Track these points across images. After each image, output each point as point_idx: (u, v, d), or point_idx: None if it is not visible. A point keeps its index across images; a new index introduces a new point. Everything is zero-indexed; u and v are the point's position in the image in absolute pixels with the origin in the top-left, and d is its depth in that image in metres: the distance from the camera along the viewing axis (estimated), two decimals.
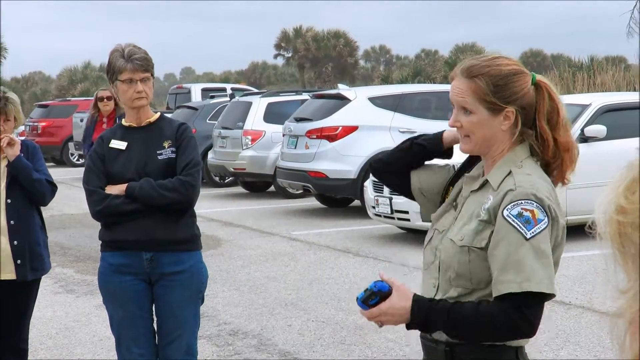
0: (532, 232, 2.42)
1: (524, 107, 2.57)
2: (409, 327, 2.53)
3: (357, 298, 2.54)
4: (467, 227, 2.54)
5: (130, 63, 4.27)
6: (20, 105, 5.17)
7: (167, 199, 4.25)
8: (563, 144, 2.58)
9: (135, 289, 4.35)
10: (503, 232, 2.44)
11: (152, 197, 4.24)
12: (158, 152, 4.35)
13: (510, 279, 2.41)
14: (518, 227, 2.43)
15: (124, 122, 4.47)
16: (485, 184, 2.59)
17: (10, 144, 4.97)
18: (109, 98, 10.56)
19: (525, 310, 2.41)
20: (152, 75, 4.37)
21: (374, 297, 2.52)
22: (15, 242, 4.95)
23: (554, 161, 2.59)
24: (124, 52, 4.30)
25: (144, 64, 4.30)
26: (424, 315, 2.48)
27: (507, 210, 2.45)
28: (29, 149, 5.10)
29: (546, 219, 2.45)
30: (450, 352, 2.54)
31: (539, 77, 2.62)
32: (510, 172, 2.54)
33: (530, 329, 2.45)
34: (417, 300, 2.50)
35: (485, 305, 2.45)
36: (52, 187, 5.16)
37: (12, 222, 4.96)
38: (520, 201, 2.45)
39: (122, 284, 4.34)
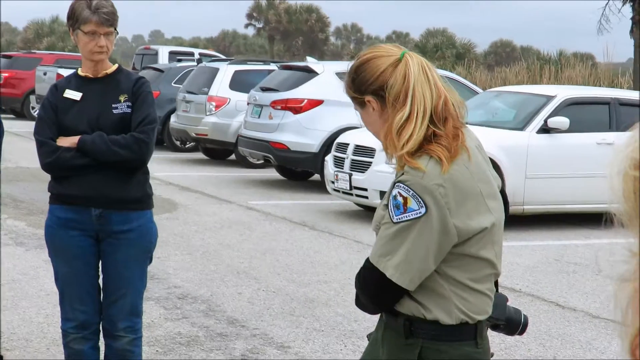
0: (399, 219, 2.44)
1: (377, 91, 2.53)
2: None
3: None
4: (378, 211, 2.56)
5: (97, 16, 4.13)
6: None
7: (118, 156, 4.12)
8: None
9: (81, 245, 4.24)
10: (387, 208, 2.48)
11: (104, 152, 4.12)
12: (113, 105, 4.21)
13: (374, 247, 2.50)
14: (389, 209, 2.46)
15: (79, 71, 4.33)
16: None
17: None
18: None
19: (368, 279, 2.50)
20: (115, 30, 4.25)
21: None
22: None
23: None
24: (91, 3, 4.17)
25: (110, 19, 4.16)
26: None
27: (392, 189, 2.47)
28: None
29: (422, 210, 2.41)
30: (410, 326, 2.51)
31: (408, 53, 2.55)
32: None
33: (360, 297, 2.57)
34: None
35: None
36: None
37: None
38: (400, 184, 2.44)
39: (68, 239, 4.24)
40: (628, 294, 0.98)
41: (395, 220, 2.42)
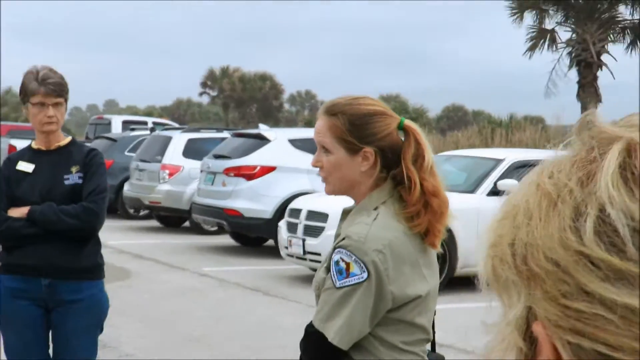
0: (342, 283, 2.47)
1: (384, 148, 2.57)
2: None
3: None
4: (319, 273, 2.60)
5: (44, 87, 4.19)
6: None
7: (67, 225, 4.16)
8: (429, 188, 2.53)
9: (31, 315, 4.24)
10: (329, 273, 2.51)
11: (53, 221, 4.15)
12: (65, 176, 4.26)
13: (317, 312, 2.53)
14: (332, 274, 2.49)
15: (33, 144, 4.39)
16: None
17: None
18: None
19: (311, 343, 2.54)
20: (65, 100, 4.29)
21: None
22: None
23: (419, 207, 2.52)
24: (38, 75, 4.21)
25: (57, 89, 4.22)
26: None
27: (333, 254, 2.50)
28: None
29: (364, 275, 2.45)
30: None
31: (407, 122, 2.61)
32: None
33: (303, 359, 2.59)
34: None
35: None
36: None
37: None
38: (341, 250, 2.48)
39: (18, 308, 4.23)
40: None
41: (338, 286, 2.47)
